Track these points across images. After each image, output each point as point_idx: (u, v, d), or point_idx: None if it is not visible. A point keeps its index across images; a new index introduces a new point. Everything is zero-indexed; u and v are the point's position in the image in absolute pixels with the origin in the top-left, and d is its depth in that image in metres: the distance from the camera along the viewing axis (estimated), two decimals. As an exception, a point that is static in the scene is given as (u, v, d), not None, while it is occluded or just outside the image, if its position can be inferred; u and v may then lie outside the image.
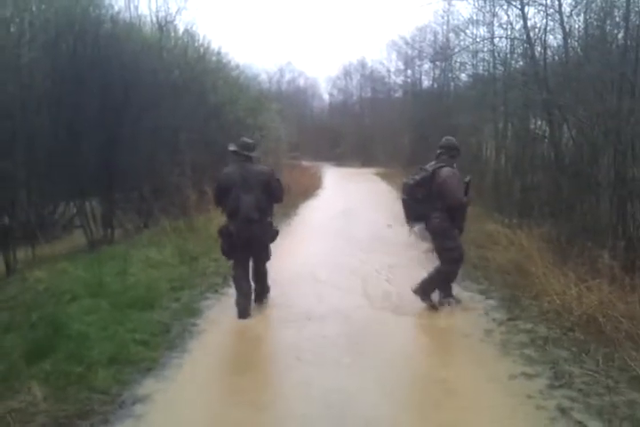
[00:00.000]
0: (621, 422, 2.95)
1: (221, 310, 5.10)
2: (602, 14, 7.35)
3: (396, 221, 10.55)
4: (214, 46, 13.29)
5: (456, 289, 5.45)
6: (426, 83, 24.61)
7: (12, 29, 7.78)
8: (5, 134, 7.45)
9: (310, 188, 16.86)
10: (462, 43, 15.25)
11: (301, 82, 40.91)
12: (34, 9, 8.27)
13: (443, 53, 18.02)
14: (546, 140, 9.05)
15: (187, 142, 10.60)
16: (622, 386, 3.39)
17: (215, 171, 10.74)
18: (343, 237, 9.15)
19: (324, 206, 13.60)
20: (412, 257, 7.18)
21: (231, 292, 5.24)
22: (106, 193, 9.26)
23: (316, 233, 9.75)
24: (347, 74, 38.68)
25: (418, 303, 5.15)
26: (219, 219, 8.28)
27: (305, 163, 23.18)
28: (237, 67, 15.00)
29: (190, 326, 4.61)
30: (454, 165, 5.17)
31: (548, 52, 8.68)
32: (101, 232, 8.88)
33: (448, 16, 17.63)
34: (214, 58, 13.19)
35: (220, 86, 12.24)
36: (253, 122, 13.37)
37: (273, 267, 5.47)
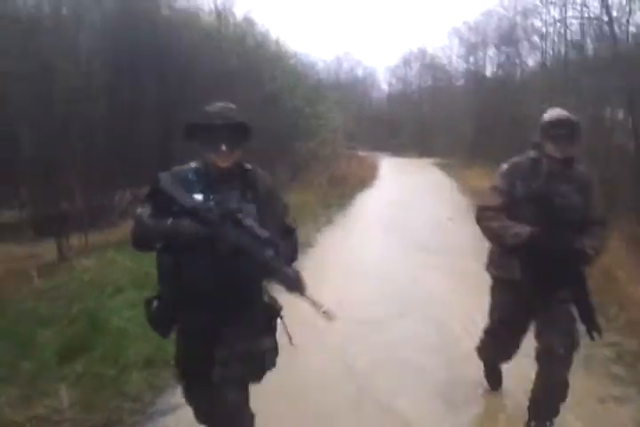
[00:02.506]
0: None
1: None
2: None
3: (457, 214, 10.01)
4: (272, 34, 13.01)
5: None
6: (489, 70, 23.52)
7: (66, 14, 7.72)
8: (63, 122, 7.43)
9: (367, 178, 16.38)
10: (531, 26, 14.34)
11: (359, 71, 40.25)
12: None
13: (509, 38, 17.04)
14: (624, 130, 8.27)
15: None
16: None
17: (267, 160, 10.62)
18: (398, 232, 8.44)
19: (380, 197, 13.09)
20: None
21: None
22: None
23: (369, 227, 9.26)
24: (406, 63, 37.75)
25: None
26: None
27: (362, 153, 22.65)
28: (295, 55, 14.67)
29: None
30: None
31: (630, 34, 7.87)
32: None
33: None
34: (272, 46, 12.92)
35: (278, 75, 11.95)
36: (311, 111, 13.01)
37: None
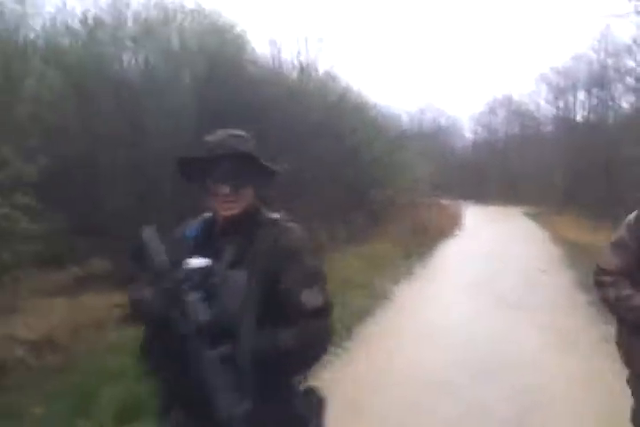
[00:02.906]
0: None
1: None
2: None
3: (550, 266, 9.29)
4: (354, 87, 13.22)
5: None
6: (580, 114, 22.60)
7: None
8: (153, 183, 7.72)
9: (449, 227, 15.86)
10: (624, 67, 13.69)
11: (442, 120, 40.17)
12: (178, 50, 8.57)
13: (601, 80, 16.33)
14: None
15: (319, 183, 10.43)
16: None
17: (343, 208, 10.54)
18: (483, 286, 7.85)
19: (464, 247, 12.52)
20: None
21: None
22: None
23: (451, 279, 8.77)
24: (491, 110, 37.30)
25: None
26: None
27: (446, 201, 22.20)
28: (375, 106, 14.79)
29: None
30: None
31: None
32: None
33: (606, 40, 15.99)
34: (353, 99, 13.09)
35: (359, 127, 12.00)
36: (389, 161, 12.92)
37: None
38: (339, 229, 10.06)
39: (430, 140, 32.73)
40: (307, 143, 10.04)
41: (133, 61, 8.21)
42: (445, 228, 15.31)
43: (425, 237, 12.53)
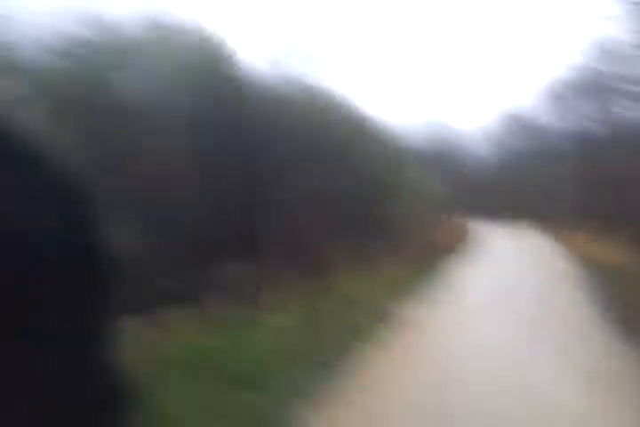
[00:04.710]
0: None
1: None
2: None
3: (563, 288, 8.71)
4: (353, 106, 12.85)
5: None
6: (591, 127, 21.92)
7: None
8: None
9: (463, 248, 15.31)
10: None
11: (450, 136, 39.46)
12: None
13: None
14: None
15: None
16: None
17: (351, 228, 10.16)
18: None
19: (483, 274, 11.98)
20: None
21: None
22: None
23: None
24: (502, 125, 36.67)
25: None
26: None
27: (456, 220, 21.50)
28: (377, 121, 14.32)
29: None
30: None
31: None
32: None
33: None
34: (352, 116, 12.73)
35: (358, 144, 11.61)
36: (394, 179, 12.48)
37: None
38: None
39: (439, 157, 32.17)
40: (310, 162, 9.80)
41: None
42: (456, 247, 14.85)
43: (434, 256, 12.10)
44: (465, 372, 4.56)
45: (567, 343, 5.56)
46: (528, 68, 64.21)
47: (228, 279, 8.52)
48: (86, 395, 0.62)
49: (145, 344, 5.14)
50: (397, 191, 12.52)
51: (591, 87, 19.67)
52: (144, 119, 7.90)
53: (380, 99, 37.54)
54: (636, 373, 4.47)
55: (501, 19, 65.13)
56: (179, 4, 8.91)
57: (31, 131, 0.59)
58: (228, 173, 8.52)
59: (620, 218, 13.62)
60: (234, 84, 9.21)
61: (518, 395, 3.96)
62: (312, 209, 9.83)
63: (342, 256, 9.30)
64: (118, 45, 7.91)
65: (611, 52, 14.65)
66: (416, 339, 5.81)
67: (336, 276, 8.53)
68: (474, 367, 4.70)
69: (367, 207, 11.27)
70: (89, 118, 7.35)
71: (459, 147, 40.30)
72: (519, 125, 34.90)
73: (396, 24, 60.51)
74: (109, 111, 7.64)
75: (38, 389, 0.58)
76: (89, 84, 7.55)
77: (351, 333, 5.35)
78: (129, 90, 8.09)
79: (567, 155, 24.08)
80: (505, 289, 8.62)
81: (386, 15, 56.89)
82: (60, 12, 7.33)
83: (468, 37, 66.52)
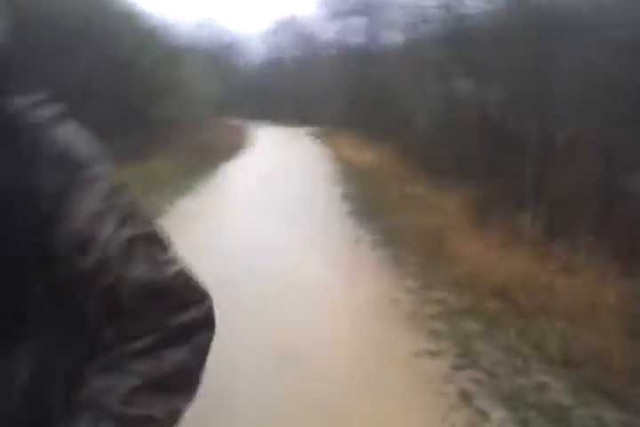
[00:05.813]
0: (528, 411, 2.57)
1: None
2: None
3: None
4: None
5: (366, 254, 4.99)
6: (356, 39, 23.64)
7: None
8: None
9: (236, 146, 15.92)
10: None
11: (226, 38, 38.52)
12: None
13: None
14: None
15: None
16: (534, 367, 3.02)
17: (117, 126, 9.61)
18: (261, 205, 8.07)
19: (249, 166, 12.77)
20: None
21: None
22: None
23: (231, 195, 8.98)
24: (276, 31, 36.87)
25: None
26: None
27: (233, 121, 21.98)
28: (144, 15, 13.25)
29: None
30: None
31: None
32: None
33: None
34: (119, 6, 11.63)
35: (126, 36, 10.78)
36: (163, 76, 11.99)
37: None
38: (113, 147, 9.35)
39: (213, 57, 31.27)
40: (66, 53, 8.91)
41: None
42: (232, 147, 15.32)
43: (209, 155, 12.42)
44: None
45: (316, 231, 6.67)
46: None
47: None
48: None
49: None
50: (171, 90, 12.27)
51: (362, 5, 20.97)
52: None
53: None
54: (372, 255, 5.48)
55: None
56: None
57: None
58: None
59: (381, 126, 15.32)
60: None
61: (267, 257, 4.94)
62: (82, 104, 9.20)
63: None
64: None
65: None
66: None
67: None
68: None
69: (141, 106, 10.90)
70: None
71: (236, 49, 39.47)
72: (294, 32, 35.44)
73: None
74: None
75: None
76: None
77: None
78: None
79: (337, 65, 25.69)
80: (267, 185, 9.52)
81: None
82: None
83: None
